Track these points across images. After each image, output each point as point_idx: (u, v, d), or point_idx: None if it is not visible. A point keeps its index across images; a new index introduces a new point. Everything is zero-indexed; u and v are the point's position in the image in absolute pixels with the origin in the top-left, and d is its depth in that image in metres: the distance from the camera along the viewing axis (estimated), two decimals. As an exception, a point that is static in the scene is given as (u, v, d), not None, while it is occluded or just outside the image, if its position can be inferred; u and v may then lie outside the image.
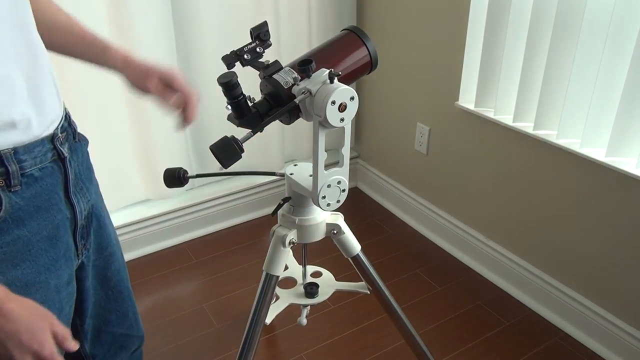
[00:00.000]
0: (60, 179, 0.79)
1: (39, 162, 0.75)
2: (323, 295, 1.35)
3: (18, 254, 0.74)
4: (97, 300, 0.95)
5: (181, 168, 1.08)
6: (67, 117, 0.84)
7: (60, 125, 0.79)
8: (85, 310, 0.92)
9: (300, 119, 1.04)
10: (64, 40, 0.93)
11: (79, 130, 0.89)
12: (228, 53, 0.97)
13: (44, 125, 0.75)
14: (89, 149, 0.91)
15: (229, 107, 0.97)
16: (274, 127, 2.19)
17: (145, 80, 0.93)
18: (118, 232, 1.97)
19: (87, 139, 0.90)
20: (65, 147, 0.80)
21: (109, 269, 0.95)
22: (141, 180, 2.06)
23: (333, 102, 0.93)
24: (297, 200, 1.13)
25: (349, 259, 1.24)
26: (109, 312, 0.98)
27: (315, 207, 1.14)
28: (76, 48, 0.95)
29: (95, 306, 0.95)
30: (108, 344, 1.00)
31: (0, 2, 0.66)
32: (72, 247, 0.83)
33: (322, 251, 1.64)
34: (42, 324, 0.66)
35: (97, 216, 0.90)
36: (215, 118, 2.04)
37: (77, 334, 0.93)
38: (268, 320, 1.28)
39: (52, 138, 0.77)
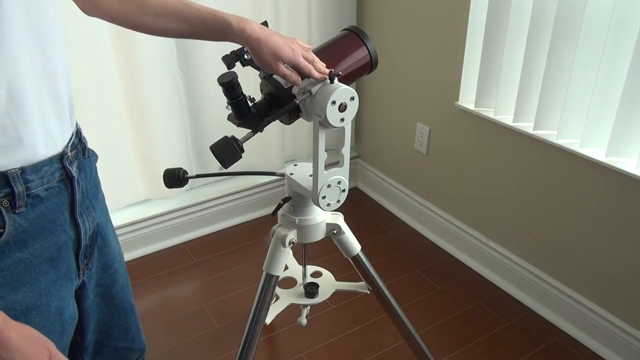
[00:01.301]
0: (67, 198, 0.76)
1: (46, 182, 0.71)
2: (323, 295, 1.35)
3: (19, 277, 0.71)
4: (100, 317, 0.93)
5: (181, 168, 1.08)
6: (77, 133, 0.81)
7: (70, 143, 0.76)
8: (86, 327, 0.90)
9: (300, 119, 1.04)
10: (179, 26, 0.92)
11: (83, 135, 0.87)
12: (228, 53, 0.97)
13: (53, 144, 0.72)
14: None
15: (229, 107, 0.97)
16: (274, 127, 2.19)
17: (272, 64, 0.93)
18: (118, 232, 1.97)
19: (96, 154, 0.87)
20: (74, 165, 0.77)
21: (114, 286, 0.93)
22: (141, 180, 2.06)
23: (333, 102, 0.93)
24: (297, 200, 1.13)
25: (349, 259, 1.24)
26: (112, 327, 0.96)
27: (315, 207, 1.14)
28: (194, 33, 0.94)
29: (99, 323, 0.93)
30: (109, 357, 0.98)
31: (13, 14, 0.63)
32: (74, 268, 0.80)
33: (322, 251, 1.64)
34: (39, 353, 0.64)
35: (102, 235, 0.87)
36: (215, 118, 2.04)
37: (78, 350, 0.92)
38: (268, 320, 1.28)
39: (61, 157, 0.74)
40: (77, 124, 0.82)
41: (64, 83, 0.74)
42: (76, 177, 0.77)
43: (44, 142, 0.70)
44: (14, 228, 0.69)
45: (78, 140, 0.80)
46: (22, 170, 0.68)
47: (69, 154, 0.76)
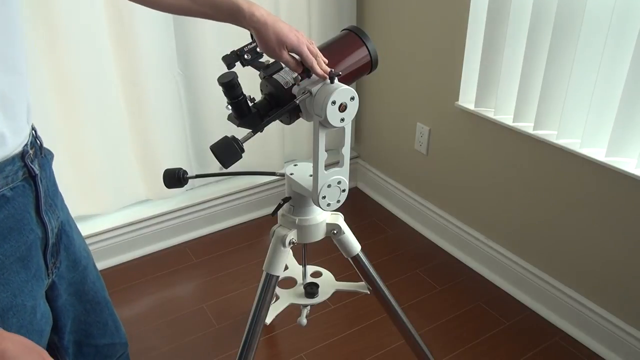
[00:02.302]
0: (32, 197, 0.76)
1: (10, 182, 0.71)
2: (323, 295, 1.35)
3: None
4: (76, 316, 0.93)
5: (181, 169, 1.08)
6: (34, 131, 0.81)
7: (29, 142, 0.76)
8: (63, 327, 0.90)
9: (300, 119, 1.04)
10: (186, 3, 0.93)
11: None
12: (228, 53, 0.97)
13: (16, 143, 0.72)
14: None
15: (229, 107, 0.97)
16: (274, 127, 2.19)
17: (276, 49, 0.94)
18: (118, 232, 1.99)
19: (52, 153, 0.87)
20: (36, 163, 0.77)
21: (86, 282, 0.93)
22: (141, 180, 2.06)
23: (333, 102, 0.93)
24: (297, 200, 1.13)
25: (349, 259, 1.24)
26: (89, 325, 0.96)
27: (315, 207, 1.14)
28: (200, 12, 0.94)
29: (75, 322, 0.93)
30: (92, 356, 0.98)
31: None
32: (43, 267, 0.80)
33: (322, 251, 1.64)
34: None
35: (66, 232, 0.87)
36: (215, 118, 2.04)
37: (56, 351, 0.92)
38: (268, 320, 1.28)
39: (22, 155, 0.73)
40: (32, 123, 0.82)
41: (25, 83, 0.74)
42: (39, 175, 0.77)
43: (6, 142, 0.70)
44: None
45: (34, 139, 0.80)
46: None
47: (30, 151, 0.76)
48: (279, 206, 1.17)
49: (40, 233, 0.79)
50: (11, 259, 0.73)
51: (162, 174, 1.09)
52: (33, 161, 0.76)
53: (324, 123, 0.95)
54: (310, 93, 0.95)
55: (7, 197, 0.71)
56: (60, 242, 0.85)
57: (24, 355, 0.63)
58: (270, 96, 1.01)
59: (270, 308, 1.24)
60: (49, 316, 0.84)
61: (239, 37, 1.01)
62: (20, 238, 0.74)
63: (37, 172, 0.77)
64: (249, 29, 0.94)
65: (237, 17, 0.92)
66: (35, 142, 0.80)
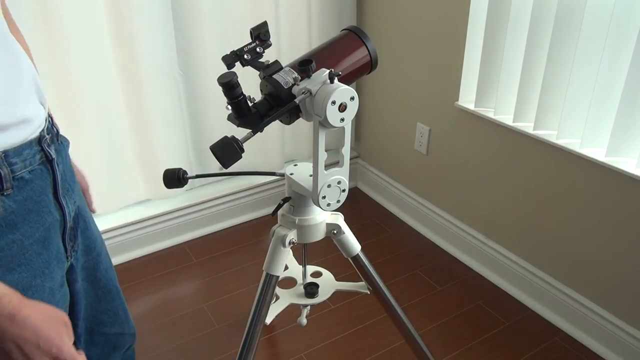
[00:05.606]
0: (49, 180, 0.79)
1: (28, 165, 0.74)
2: (323, 295, 1.35)
3: (13, 258, 0.73)
4: (88, 302, 0.94)
5: (181, 169, 1.08)
6: (50, 118, 0.84)
7: (45, 127, 0.79)
8: (78, 313, 0.92)
9: (300, 119, 1.04)
10: None
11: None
12: (228, 53, 0.97)
13: (31, 128, 0.75)
14: (72, 150, 0.92)
15: (229, 107, 0.97)
16: (274, 127, 2.19)
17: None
18: (118, 232, 2.00)
19: (68, 140, 0.90)
20: (52, 148, 0.80)
21: (98, 269, 0.96)
22: (141, 180, 2.06)
23: (333, 102, 0.93)
24: (297, 200, 1.13)
25: (349, 259, 1.24)
26: (101, 312, 0.98)
27: (315, 207, 1.14)
28: None
29: (87, 308, 0.95)
30: (102, 345, 1.00)
31: None
32: (62, 249, 0.83)
33: (322, 251, 1.64)
34: (57, 328, 0.66)
35: (83, 217, 0.90)
36: (215, 118, 2.04)
37: None
38: (268, 320, 1.28)
39: (39, 140, 0.77)
40: (48, 108, 0.84)
41: (28, 69, 0.77)
42: (55, 160, 0.80)
43: (24, 126, 0.73)
44: (4, 210, 0.71)
45: (51, 126, 0.83)
46: (5, 153, 0.70)
47: (46, 137, 0.79)
48: (279, 206, 1.17)
49: (58, 216, 0.81)
50: (31, 239, 0.76)
51: (162, 174, 1.09)
52: (50, 146, 0.79)
53: (324, 123, 0.95)
54: (310, 93, 0.95)
55: (26, 180, 0.74)
56: (77, 226, 0.88)
57: (45, 323, 0.66)
58: (270, 96, 1.01)
59: (270, 308, 1.24)
60: (67, 299, 0.86)
61: (239, 37, 1.01)
62: (39, 219, 0.77)
63: (54, 156, 0.80)
64: None
65: None
66: (52, 128, 0.83)
